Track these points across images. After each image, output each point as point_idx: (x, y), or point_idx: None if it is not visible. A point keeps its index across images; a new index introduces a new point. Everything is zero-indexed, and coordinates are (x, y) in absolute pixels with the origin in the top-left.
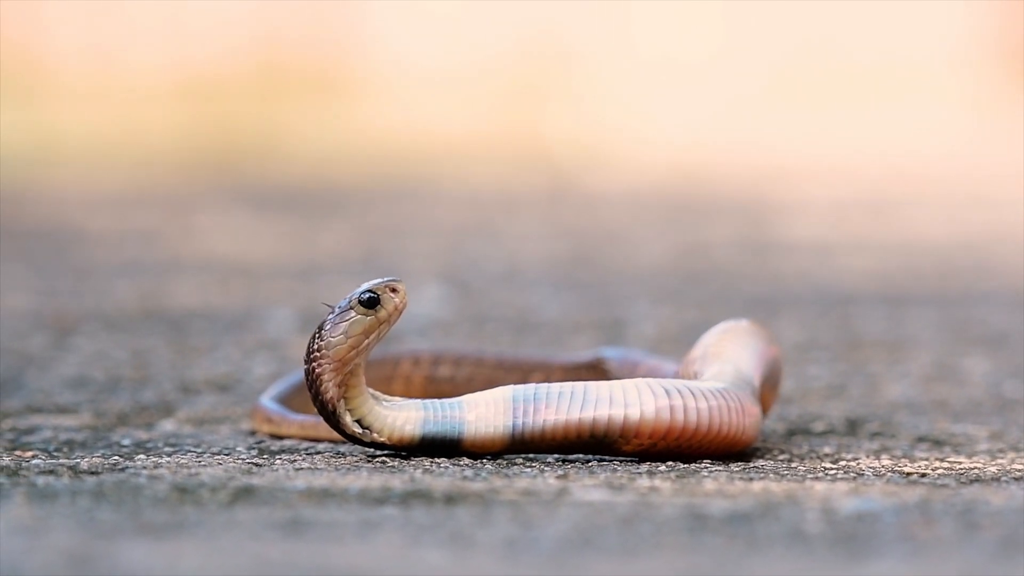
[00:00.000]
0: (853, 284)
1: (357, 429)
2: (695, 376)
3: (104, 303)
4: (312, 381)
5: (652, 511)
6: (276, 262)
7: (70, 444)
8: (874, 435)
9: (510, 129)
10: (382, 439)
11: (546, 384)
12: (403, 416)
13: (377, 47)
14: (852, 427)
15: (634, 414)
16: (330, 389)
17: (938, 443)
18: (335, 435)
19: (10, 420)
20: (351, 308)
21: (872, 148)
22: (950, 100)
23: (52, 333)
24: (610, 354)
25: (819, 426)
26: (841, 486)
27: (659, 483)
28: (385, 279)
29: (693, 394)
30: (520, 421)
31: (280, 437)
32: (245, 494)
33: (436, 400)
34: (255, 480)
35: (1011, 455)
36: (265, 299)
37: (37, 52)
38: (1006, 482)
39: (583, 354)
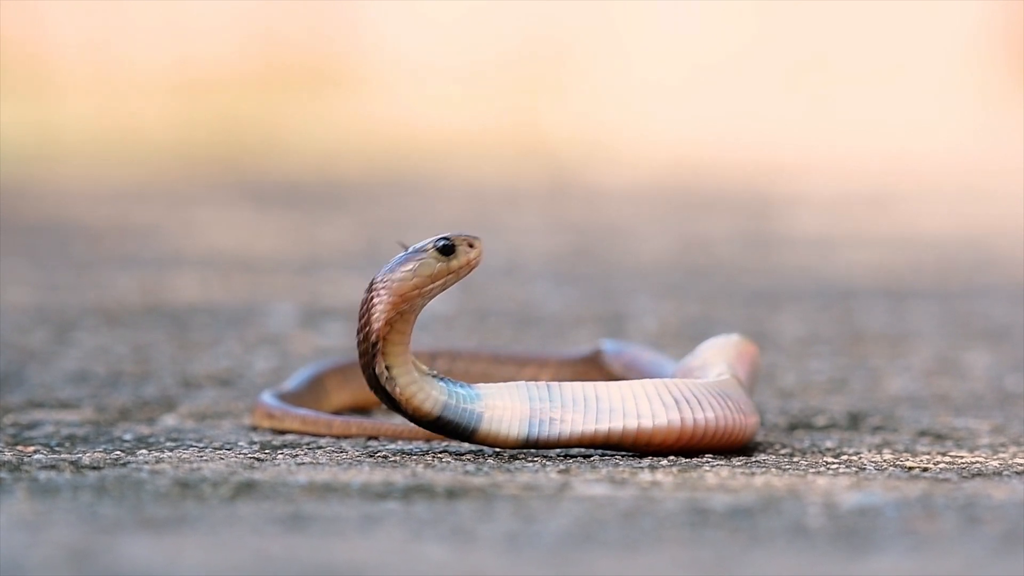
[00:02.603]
0: (855, 278)
1: (387, 374)
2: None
3: (105, 298)
4: (366, 311)
5: (654, 505)
6: (277, 257)
7: (72, 439)
8: (876, 429)
9: (512, 124)
10: (403, 398)
11: (559, 389)
12: (427, 391)
13: (379, 43)
14: (854, 421)
15: (647, 425)
16: (381, 320)
17: (940, 437)
18: (336, 430)
19: (12, 415)
20: (425, 251)
21: (873, 142)
22: (951, 95)
23: (53, 328)
24: (608, 348)
25: (821, 420)
26: (843, 480)
27: (661, 477)
28: (466, 233)
29: (700, 404)
30: (536, 430)
31: (282, 432)
32: (247, 489)
33: (461, 389)
34: (257, 475)
35: (1013, 449)
36: (266, 294)
37: (38, 48)
38: (1008, 476)
39: (580, 349)
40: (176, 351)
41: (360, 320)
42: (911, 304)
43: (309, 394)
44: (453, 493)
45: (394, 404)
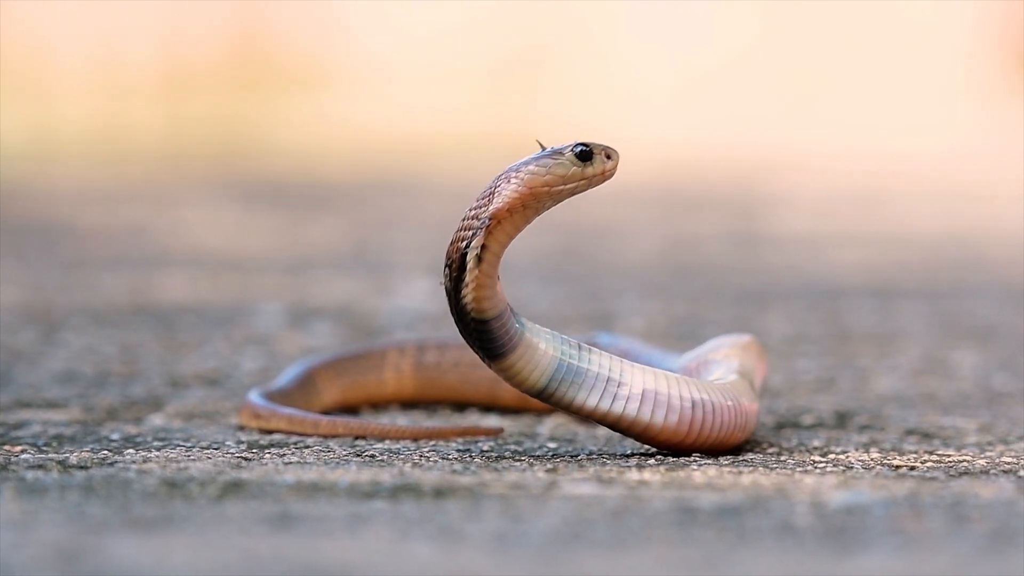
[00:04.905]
0: (842, 277)
1: (476, 252)
2: (708, 371)
3: (93, 298)
4: (489, 192)
5: (641, 504)
6: (265, 257)
7: (59, 439)
8: (863, 428)
9: (499, 125)
10: (476, 283)
11: (588, 355)
12: (498, 290)
13: (366, 45)
14: (841, 420)
15: (657, 423)
16: (504, 203)
17: (927, 436)
18: (323, 430)
19: None
20: (563, 153)
21: (862, 142)
22: (942, 97)
23: (41, 328)
24: (602, 340)
25: (808, 419)
26: (830, 479)
27: (648, 476)
28: (605, 144)
29: (715, 408)
30: (555, 387)
31: (269, 432)
32: (234, 488)
33: (515, 313)
34: (244, 474)
35: (1000, 448)
36: (254, 293)
37: (32, 50)
38: (995, 475)
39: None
40: (164, 351)
41: (478, 199)
42: (899, 303)
43: (299, 391)
44: (440, 492)
45: (458, 286)
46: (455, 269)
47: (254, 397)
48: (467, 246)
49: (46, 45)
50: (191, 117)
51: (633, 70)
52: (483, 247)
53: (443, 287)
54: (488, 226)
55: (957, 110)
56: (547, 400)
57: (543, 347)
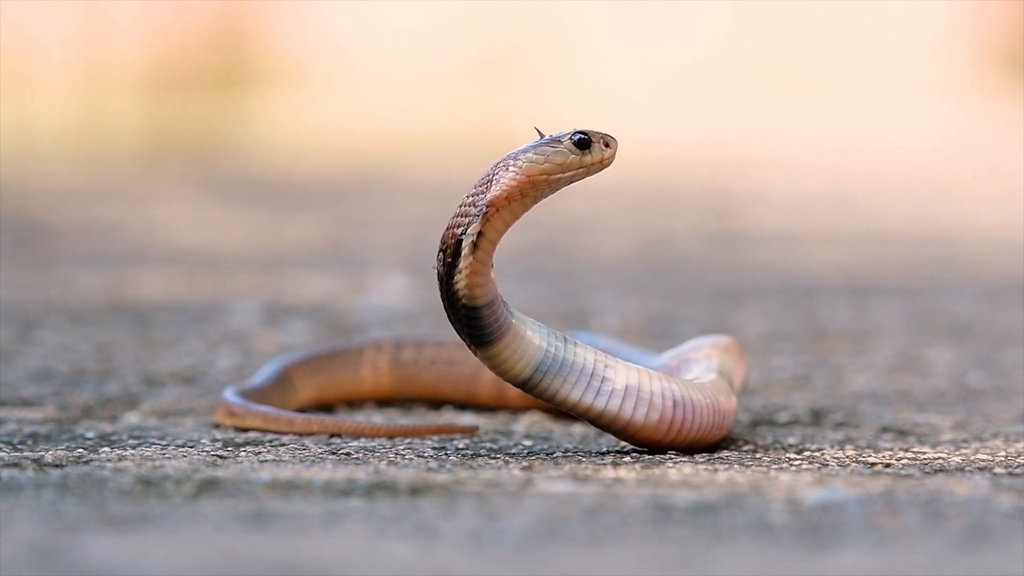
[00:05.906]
0: (818, 275)
1: (471, 239)
2: (687, 370)
3: (68, 296)
4: (487, 179)
5: (617, 502)
6: (241, 255)
7: (34, 437)
8: (838, 425)
9: (474, 124)
10: (469, 269)
11: (575, 348)
12: (491, 278)
13: (343, 44)
14: (816, 418)
15: (638, 420)
16: (502, 192)
17: (902, 433)
18: (298, 428)
19: None
20: (561, 141)
21: (838, 140)
22: (917, 94)
23: (17, 325)
24: (582, 340)
25: (783, 417)
26: (806, 477)
27: (624, 474)
28: (604, 132)
29: (695, 407)
30: (539, 378)
31: (244, 429)
32: (210, 487)
33: (506, 302)
34: (220, 472)
35: (975, 445)
36: (230, 292)
37: (9, 47)
38: (970, 472)
39: None
40: (139, 349)
41: (476, 186)
42: (874, 301)
43: (276, 389)
44: (416, 490)
45: (451, 272)
46: (449, 255)
47: (229, 395)
48: (463, 233)
49: (26, 43)
50: (168, 115)
51: (609, 68)
52: (479, 234)
53: (435, 271)
54: (486, 214)
55: (931, 107)
56: (530, 391)
57: (530, 337)
